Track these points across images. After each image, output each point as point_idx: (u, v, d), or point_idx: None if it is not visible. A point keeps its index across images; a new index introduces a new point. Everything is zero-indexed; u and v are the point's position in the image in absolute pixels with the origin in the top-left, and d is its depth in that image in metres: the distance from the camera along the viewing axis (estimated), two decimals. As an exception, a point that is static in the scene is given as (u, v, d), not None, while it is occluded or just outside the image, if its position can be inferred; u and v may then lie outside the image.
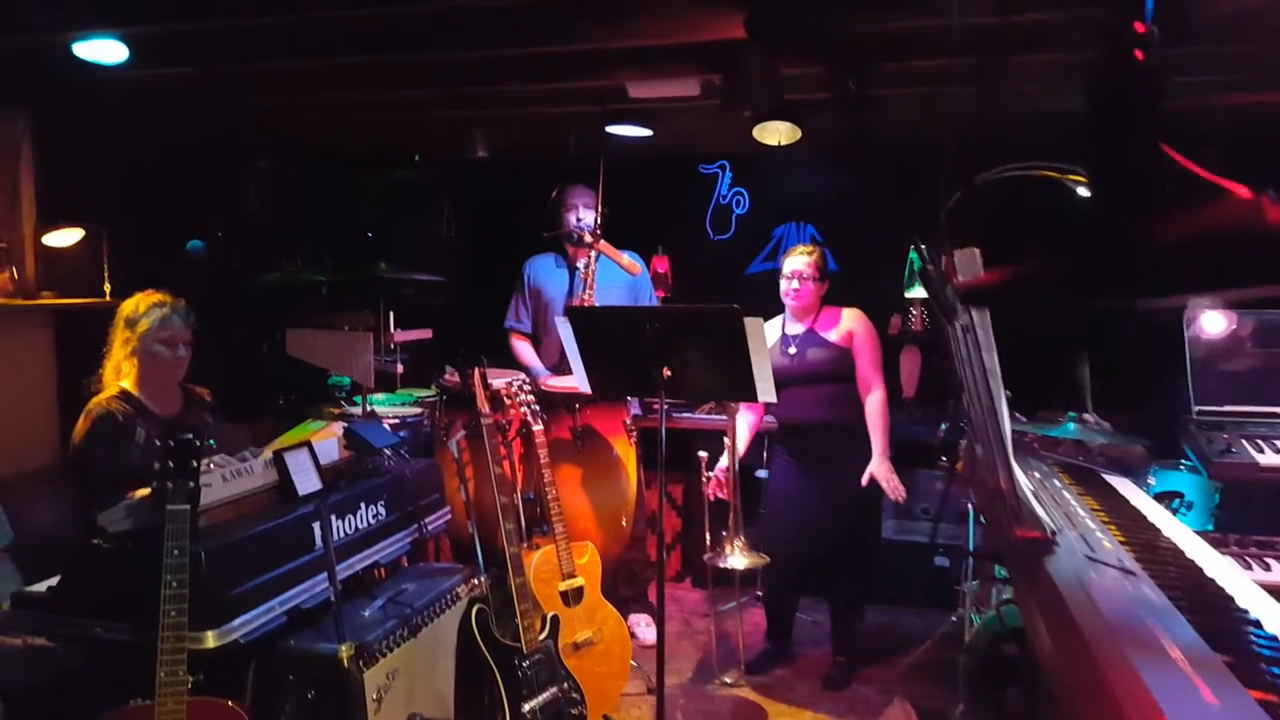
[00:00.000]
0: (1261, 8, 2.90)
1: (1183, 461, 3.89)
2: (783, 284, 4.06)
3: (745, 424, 4.17)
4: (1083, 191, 1.44)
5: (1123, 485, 2.47)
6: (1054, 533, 1.44)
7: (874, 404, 3.99)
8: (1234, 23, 3.06)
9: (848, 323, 4.06)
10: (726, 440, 4.06)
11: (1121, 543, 1.65)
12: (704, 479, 4.10)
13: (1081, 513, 1.86)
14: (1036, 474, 2.20)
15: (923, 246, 1.57)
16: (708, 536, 4.21)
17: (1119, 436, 3.90)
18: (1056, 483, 2.15)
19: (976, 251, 1.39)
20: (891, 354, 5.54)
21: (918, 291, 5.26)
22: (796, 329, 4.06)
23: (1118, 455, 4.04)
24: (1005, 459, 1.39)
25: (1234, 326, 3.81)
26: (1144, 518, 2.01)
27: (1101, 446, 4.01)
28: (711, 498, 4.09)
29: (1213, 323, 4.17)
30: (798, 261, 4.02)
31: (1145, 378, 4.52)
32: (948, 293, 1.47)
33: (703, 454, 4.14)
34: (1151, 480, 3.85)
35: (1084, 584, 1.31)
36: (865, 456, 3.98)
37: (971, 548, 3.59)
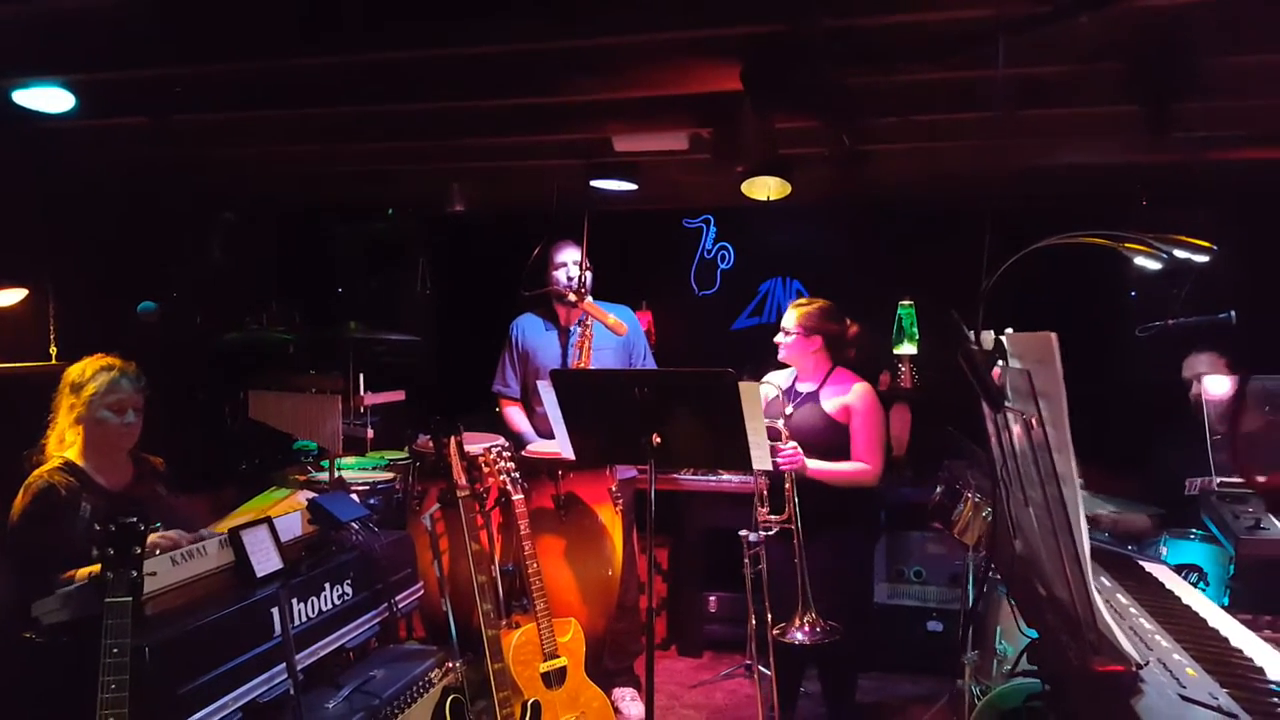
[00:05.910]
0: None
1: (1193, 531, 3.73)
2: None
3: None
4: (1140, 260, 1.28)
5: (1167, 577, 2.28)
6: (1139, 666, 1.25)
7: (854, 465, 3.75)
8: (1238, 76, 2.95)
9: (849, 397, 3.81)
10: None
11: (1204, 666, 1.45)
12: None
13: (1148, 626, 1.65)
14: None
15: (962, 324, 1.38)
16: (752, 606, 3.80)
17: (1127, 505, 3.74)
18: (1106, 581, 1.96)
19: (1053, 337, 1.20)
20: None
21: (906, 348, 5.17)
22: (805, 387, 3.88)
23: (1126, 525, 3.87)
24: (1083, 582, 1.19)
25: (1245, 392, 3.66)
26: (1205, 623, 1.81)
27: (1108, 515, 3.85)
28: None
29: (1218, 385, 4.03)
30: (786, 316, 3.92)
31: (1144, 440, 4.38)
32: (995, 376, 1.29)
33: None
34: (1164, 549, 3.68)
35: (1191, 741, 1.11)
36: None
37: (1014, 661, 3.26)
